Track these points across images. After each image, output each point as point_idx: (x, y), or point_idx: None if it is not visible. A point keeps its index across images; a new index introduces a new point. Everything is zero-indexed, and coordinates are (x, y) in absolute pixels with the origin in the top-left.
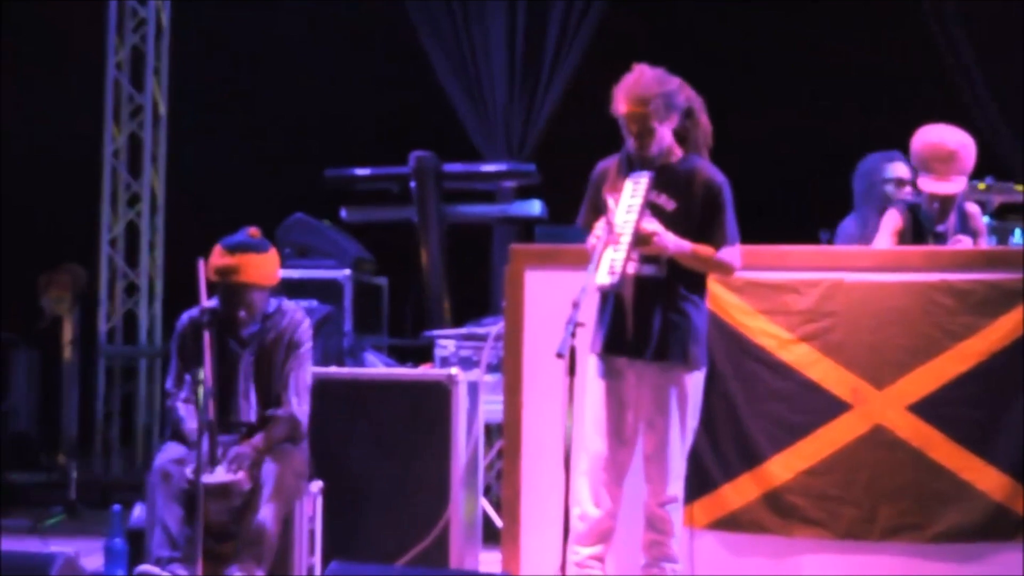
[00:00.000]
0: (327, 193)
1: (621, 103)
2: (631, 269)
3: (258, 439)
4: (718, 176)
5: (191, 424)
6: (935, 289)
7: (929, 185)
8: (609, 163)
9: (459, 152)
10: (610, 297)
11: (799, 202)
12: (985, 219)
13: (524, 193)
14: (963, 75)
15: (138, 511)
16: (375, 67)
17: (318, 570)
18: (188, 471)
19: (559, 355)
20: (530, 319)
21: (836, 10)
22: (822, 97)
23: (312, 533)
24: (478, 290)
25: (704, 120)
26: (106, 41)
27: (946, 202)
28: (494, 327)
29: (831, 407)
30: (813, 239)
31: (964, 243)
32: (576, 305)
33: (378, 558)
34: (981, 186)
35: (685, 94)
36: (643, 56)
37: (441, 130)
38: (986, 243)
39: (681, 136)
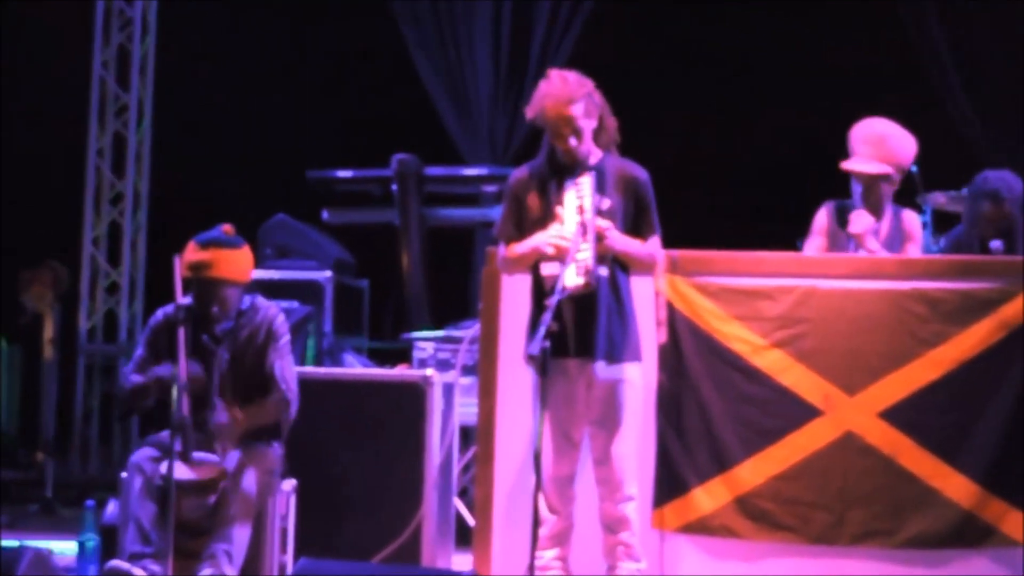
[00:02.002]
0: (309, 194)
1: (549, 108)
2: (596, 270)
3: (239, 412)
4: (643, 171)
5: (138, 378)
6: (908, 297)
7: (848, 163)
8: (523, 172)
9: (442, 156)
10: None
11: (782, 205)
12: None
13: None
14: (942, 81)
15: (112, 507)
16: (359, 69)
17: (290, 568)
18: (162, 468)
19: (531, 357)
20: (506, 322)
21: (822, 15)
22: (807, 100)
23: (284, 531)
24: (459, 293)
25: (611, 121)
26: (92, 40)
27: (868, 186)
28: (470, 330)
29: (803, 413)
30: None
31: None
32: (548, 308)
33: (351, 557)
34: None
35: (598, 95)
36: (629, 62)
37: (424, 133)
38: (919, 249)
39: (593, 136)
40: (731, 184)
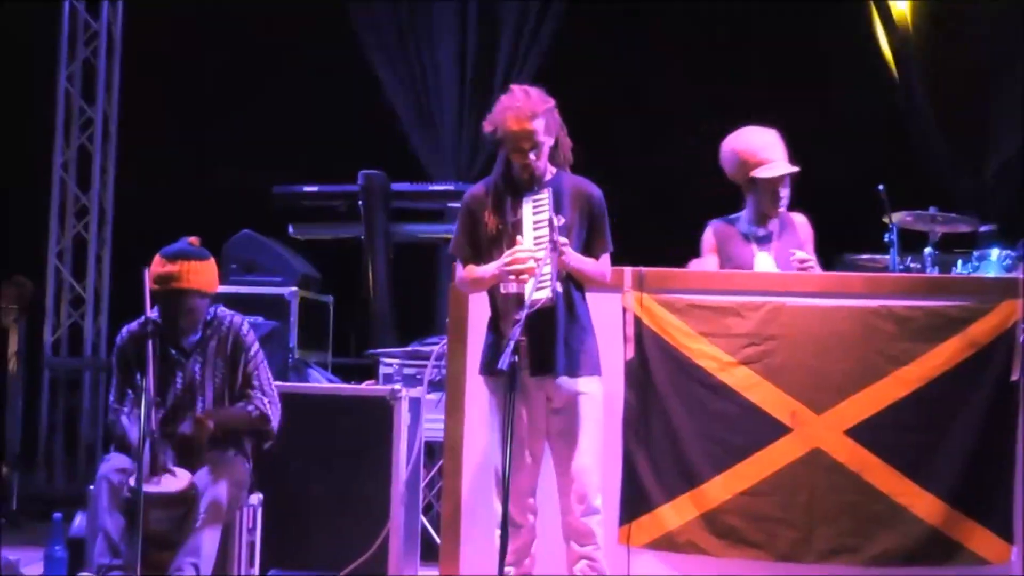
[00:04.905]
0: (275, 210)
1: (511, 122)
2: (559, 286)
3: (209, 411)
4: (596, 189)
5: (135, 435)
6: (876, 314)
7: (772, 170)
8: (479, 189)
9: (407, 172)
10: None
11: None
12: (927, 249)
13: None
14: (908, 104)
15: (79, 520)
16: (325, 84)
17: None
18: (131, 480)
19: (500, 371)
20: (473, 337)
21: (789, 30)
22: (776, 114)
23: (252, 545)
24: (424, 309)
25: (566, 139)
26: (58, 54)
27: (778, 189)
28: (437, 346)
29: (770, 430)
30: None
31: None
32: (518, 322)
33: (317, 571)
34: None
35: (556, 112)
36: (595, 77)
37: (390, 149)
38: (813, 251)
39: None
40: (702, 197)
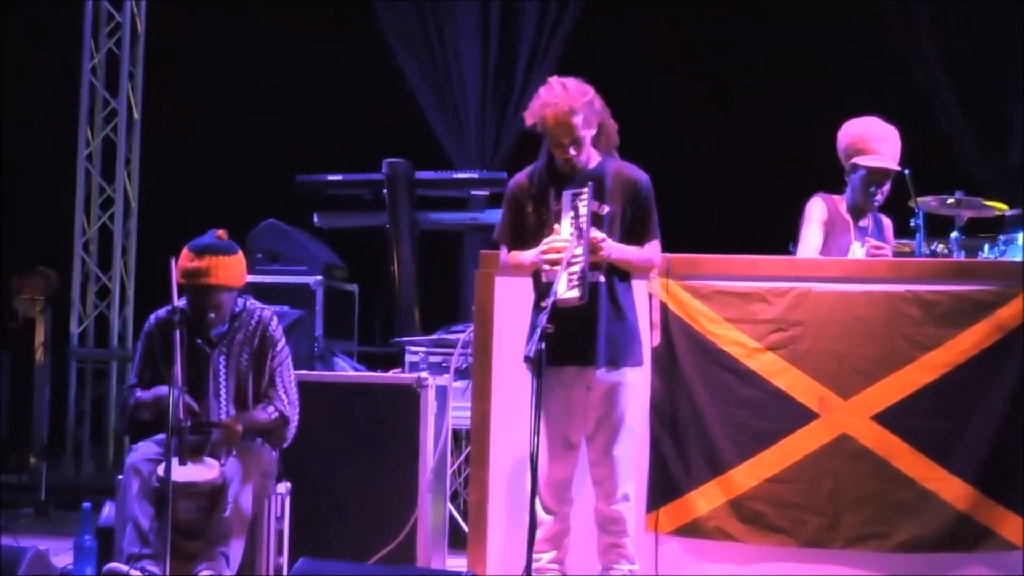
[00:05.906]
0: (299, 199)
1: (549, 117)
2: (591, 278)
3: (236, 416)
4: (643, 175)
5: (147, 395)
6: (902, 300)
7: (875, 160)
8: (523, 177)
9: (432, 161)
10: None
11: (776, 207)
12: (954, 234)
13: (495, 201)
14: (932, 87)
15: (108, 510)
16: (349, 75)
17: (286, 570)
18: (159, 470)
19: (527, 359)
20: (499, 325)
21: (813, 19)
22: (797, 101)
23: (280, 533)
24: (449, 297)
25: (611, 123)
26: (82, 45)
27: (881, 183)
28: (464, 334)
29: (797, 415)
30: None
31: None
32: (546, 310)
33: (345, 559)
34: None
35: (598, 100)
36: (617, 65)
37: (414, 138)
38: (891, 254)
39: (593, 140)
40: (725, 185)
